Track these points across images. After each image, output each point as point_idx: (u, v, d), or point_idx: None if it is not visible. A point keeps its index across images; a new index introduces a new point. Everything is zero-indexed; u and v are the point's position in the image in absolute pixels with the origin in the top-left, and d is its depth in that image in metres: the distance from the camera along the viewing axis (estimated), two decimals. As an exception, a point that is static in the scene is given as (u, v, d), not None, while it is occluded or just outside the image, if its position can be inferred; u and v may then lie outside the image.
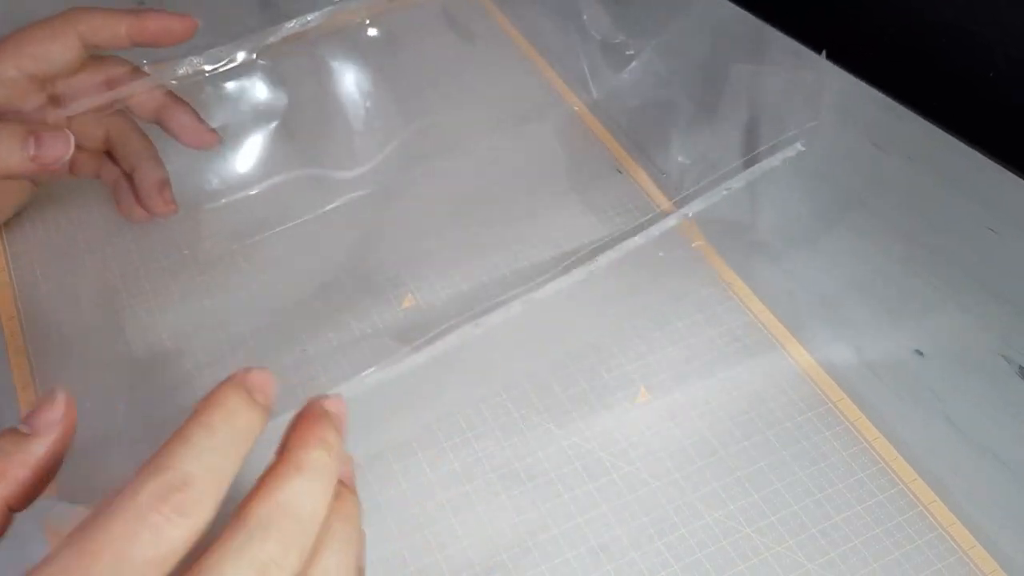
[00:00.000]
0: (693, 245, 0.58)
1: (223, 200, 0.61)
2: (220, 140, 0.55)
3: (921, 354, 0.53)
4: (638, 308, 0.55)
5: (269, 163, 0.62)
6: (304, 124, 0.64)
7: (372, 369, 0.45)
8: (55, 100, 0.50)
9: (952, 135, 0.64)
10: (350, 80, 0.66)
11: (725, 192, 0.55)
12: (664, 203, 0.61)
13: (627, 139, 0.66)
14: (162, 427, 0.30)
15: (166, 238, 0.59)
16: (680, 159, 0.62)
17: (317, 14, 0.57)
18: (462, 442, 0.49)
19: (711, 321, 0.55)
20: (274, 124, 0.62)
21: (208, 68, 0.54)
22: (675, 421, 0.50)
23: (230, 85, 0.59)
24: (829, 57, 0.69)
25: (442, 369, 0.47)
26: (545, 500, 0.47)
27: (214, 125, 0.55)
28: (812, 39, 0.71)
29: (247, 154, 0.62)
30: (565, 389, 0.51)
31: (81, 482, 0.39)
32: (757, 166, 0.57)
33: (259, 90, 0.60)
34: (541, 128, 0.66)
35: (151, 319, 0.54)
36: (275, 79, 0.61)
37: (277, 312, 0.55)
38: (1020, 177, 0.62)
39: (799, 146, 0.57)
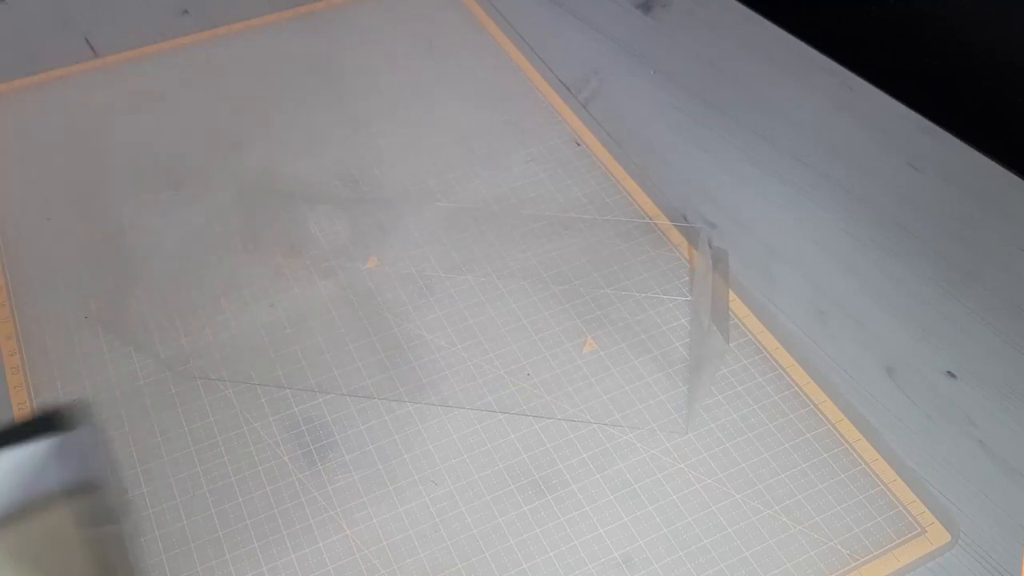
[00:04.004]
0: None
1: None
2: None
3: (953, 376, 0.52)
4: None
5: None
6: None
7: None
8: None
9: (988, 157, 0.63)
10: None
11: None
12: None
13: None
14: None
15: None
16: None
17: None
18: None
19: (741, 348, 0.54)
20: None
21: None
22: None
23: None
24: (868, 78, 0.69)
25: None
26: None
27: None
28: (853, 61, 0.71)
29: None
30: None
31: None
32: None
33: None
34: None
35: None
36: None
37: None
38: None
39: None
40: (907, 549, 0.45)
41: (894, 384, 0.52)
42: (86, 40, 0.74)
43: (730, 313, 0.55)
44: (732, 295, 0.56)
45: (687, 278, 0.56)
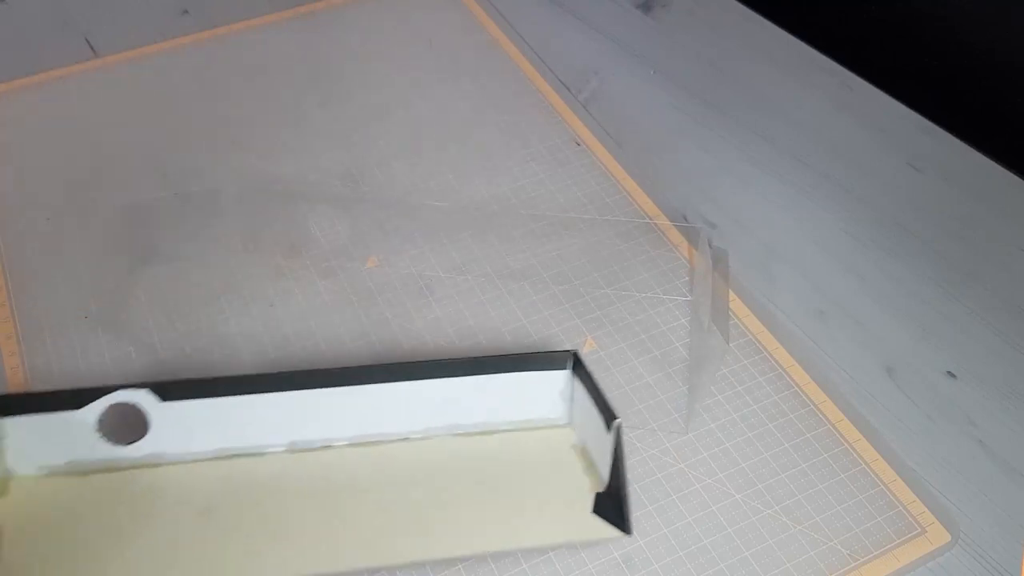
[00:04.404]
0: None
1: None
2: None
3: (953, 376, 0.52)
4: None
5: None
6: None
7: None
8: None
9: (988, 157, 0.63)
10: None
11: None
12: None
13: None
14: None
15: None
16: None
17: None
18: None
19: (741, 348, 0.54)
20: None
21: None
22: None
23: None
24: (868, 78, 0.69)
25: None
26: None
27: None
28: (853, 61, 0.71)
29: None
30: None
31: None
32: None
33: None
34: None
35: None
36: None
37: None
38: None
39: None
40: (907, 549, 0.45)
41: (894, 384, 0.52)
42: (86, 40, 0.74)
43: (730, 313, 0.55)
44: (732, 295, 0.56)
45: (687, 278, 0.56)
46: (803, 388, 0.51)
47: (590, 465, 0.46)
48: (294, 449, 0.45)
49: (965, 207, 0.61)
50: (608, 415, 0.43)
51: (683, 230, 0.59)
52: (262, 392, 0.43)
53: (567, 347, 0.48)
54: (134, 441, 0.43)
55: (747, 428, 0.49)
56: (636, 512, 0.46)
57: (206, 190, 0.61)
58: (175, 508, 0.42)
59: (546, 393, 0.46)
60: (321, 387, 0.44)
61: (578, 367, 0.45)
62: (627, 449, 0.48)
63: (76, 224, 0.59)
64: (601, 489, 0.44)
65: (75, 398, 0.41)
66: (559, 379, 0.46)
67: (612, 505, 0.43)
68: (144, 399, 0.42)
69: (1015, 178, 0.62)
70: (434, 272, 0.57)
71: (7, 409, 0.41)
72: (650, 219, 0.60)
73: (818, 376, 0.52)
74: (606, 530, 0.43)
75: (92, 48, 0.73)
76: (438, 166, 0.64)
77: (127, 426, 0.43)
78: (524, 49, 0.73)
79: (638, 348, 0.53)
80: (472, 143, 0.65)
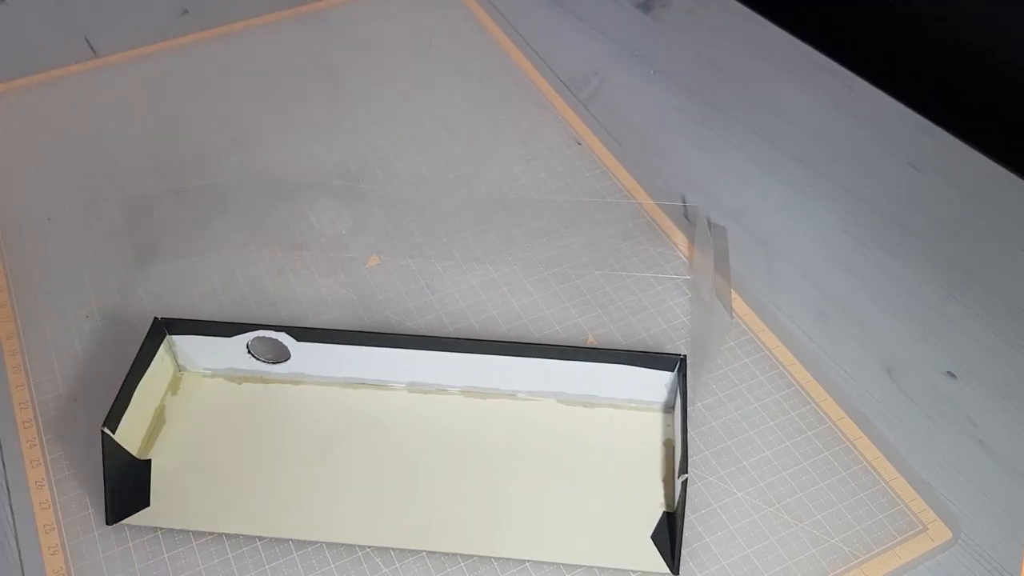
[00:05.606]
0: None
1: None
2: None
3: (953, 376, 0.52)
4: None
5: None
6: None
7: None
8: None
9: (988, 157, 0.64)
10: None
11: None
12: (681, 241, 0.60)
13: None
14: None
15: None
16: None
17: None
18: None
19: (742, 347, 0.54)
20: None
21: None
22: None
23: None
24: (868, 78, 0.70)
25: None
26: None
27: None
28: (853, 61, 0.71)
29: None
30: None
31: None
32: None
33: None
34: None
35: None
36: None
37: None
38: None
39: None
40: (908, 547, 0.45)
41: (894, 384, 0.52)
42: (86, 40, 0.74)
43: (733, 312, 0.55)
44: (733, 294, 0.56)
45: (688, 276, 0.57)
46: (804, 386, 0.51)
47: (671, 463, 0.47)
48: (412, 388, 0.50)
49: (965, 207, 0.61)
50: (682, 464, 0.44)
51: (678, 213, 0.59)
52: (386, 347, 0.49)
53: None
54: (278, 362, 0.50)
55: (748, 426, 0.49)
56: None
57: (207, 188, 0.61)
58: (308, 421, 0.49)
59: (652, 385, 0.49)
60: (440, 350, 0.48)
61: (682, 371, 0.47)
62: (628, 448, 0.48)
63: (77, 223, 0.60)
64: (667, 509, 0.46)
65: (227, 329, 0.49)
66: (666, 377, 0.48)
67: (668, 542, 0.44)
68: (283, 337, 0.49)
69: (1015, 178, 0.63)
70: (435, 271, 0.57)
71: (175, 329, 0.49)
72: (649, 216, 0.60)
73: (819, 375, 0.52)
74: (655, 558, 0.44)
75: (92, 48, 0.73)
76: (438, 165, 0.64)
77: (272, 351, 0.50)
78: (524, 49, 0.73)
79: (640, 346, 0.53)
80: (473, 142, 0.65)
